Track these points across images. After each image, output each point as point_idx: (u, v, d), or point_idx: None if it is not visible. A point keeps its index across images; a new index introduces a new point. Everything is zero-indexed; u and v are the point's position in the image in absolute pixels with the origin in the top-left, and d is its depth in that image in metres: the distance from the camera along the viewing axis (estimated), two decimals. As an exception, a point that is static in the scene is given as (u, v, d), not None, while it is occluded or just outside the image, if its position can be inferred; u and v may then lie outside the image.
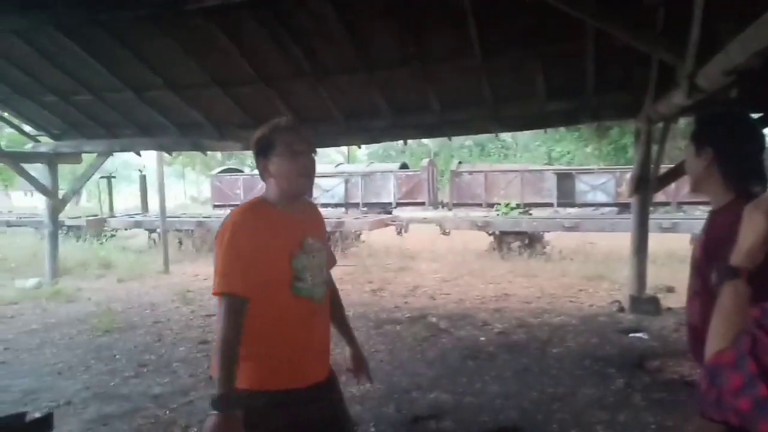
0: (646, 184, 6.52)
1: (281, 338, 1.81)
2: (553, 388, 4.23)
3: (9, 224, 14.66)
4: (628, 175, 15.95)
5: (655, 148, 6.48)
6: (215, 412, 1.62)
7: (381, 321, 6.28)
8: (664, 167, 6.78)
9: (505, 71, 6.13)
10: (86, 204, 28.43)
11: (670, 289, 7.43)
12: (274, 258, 1.79)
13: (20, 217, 15.34)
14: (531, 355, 5.05)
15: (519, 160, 30.13)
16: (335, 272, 2.16)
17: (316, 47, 5.93)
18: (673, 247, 10.38)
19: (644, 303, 6.38)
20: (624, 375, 4.42)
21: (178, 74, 6.71)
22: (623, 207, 15.49)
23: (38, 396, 4.26)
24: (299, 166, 1.81)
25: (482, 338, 5.61)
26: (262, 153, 1.85)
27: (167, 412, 3.97)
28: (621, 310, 6.51)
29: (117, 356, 5.26)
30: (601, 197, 16.74)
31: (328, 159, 30.67)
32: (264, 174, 1.87)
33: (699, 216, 12.64)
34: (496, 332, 5.79)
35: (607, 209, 16.02)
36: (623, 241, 9.81)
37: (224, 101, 7.04)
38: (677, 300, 6.94)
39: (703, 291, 1.68)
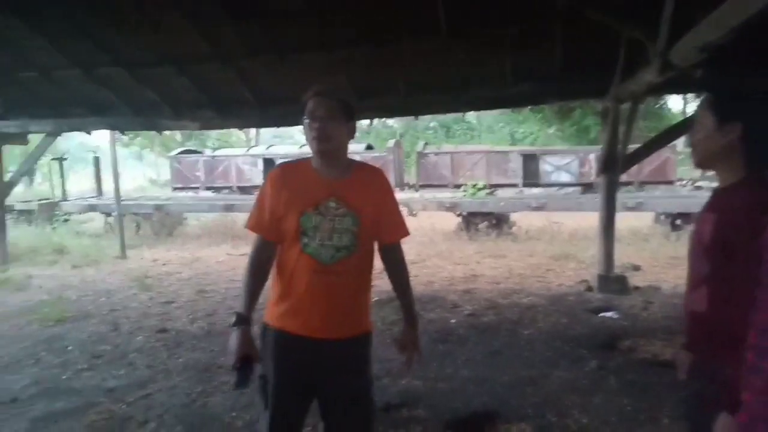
0: (614, 164, 6.49)
1: (291, 286, 1.98)
2: (525, 371, 4.14)
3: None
4: (592, 156, 16.20)
5: (621, 128, 6.44)
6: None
7: (349, 305, 6.10)
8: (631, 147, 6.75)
9: (472, 51, 5.97)
10: (39, 187, 27.28)
11: (636, 268, 7.50)
12: (288, 211, 1.95)
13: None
14: (502, 337, 4.97)
15: (483, 141, 30.16)
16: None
17: (276, 23, 5.64)
18: (637, 225, 10.53)
19: (612, 282, 6.38)
20: (596, 356, 4.37)
21: (130, 52, 6.31)
22: (587, 187, 15.66)
23: (-19, 393, 3.96)
24: (311, 130, 1.92)
25: (452, 321, 5.50)
26: (303, 117, 1.98)
27: (123, 406, 3.73)
28: (589, 289, 6.50)
29: (69, 348, 4.95)
30: (565, 177, 16.85)
31: (292, 140, 30.20)
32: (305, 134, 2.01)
33: (660, 195, 12.85)
34: (466, 314, 5.70)
35: (570, 189, 16.14)
36: (588, 220, 9.91)
37: (179, 80, 6.68)
38: (644, 278, 7.00)
39: (713, 276, 1.54)
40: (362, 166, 2.12)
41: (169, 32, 5.80)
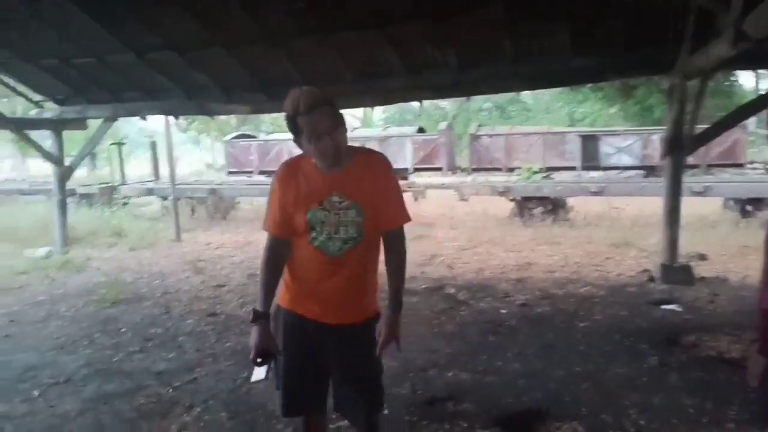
0: (680, 145, 6.08)
1: (303, 276, 2.10)
2: (580, 367, 3.93)
3: (22, 192, 14.54)
4: (655, 137, 15.43)
5: (688, 107, 6.01)
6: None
7: (396, 292, 6.00)
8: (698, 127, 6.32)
9: (527, 24, 5.69)
10: (101, 172, 28.44)
11: (702, 257, 7.06)
12: (295, 208, 2.02)
13: (33, 185, 15.24)
14: (556, 329, 4.75)
15: (540, 122, 29.34)
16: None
17: (325, 1, 5.52)
18: (704, 211, 9.95)
19: (676, 272, 6.01)
20: (657, 351, 4.11)
21: (180, 34, 6.35)
22: (650, 170, 14.97)
23: (38, 373, 4.08)
24: (321, 149, 1.91)
25: (503, 311, 5.32)
26: (293, 132, 1.97)
27: (170, 390, 3.76)
28: (651, 279, 6.16)
29: (122, 329, 5.07)
30: (626, 160, 16.18)
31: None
32: (300, 147, 2.00)
33: (729, 179, 12.12)
34: (518, 304, 5.49)
35: (632, 172, 15.47)
36: (650, 205, 9.43)
37: (229, 63, 6.69)
38: (710, 269, 6.59)
39: None
40: (362, 154, 2.11)
41: (218, 14, 5.78)
